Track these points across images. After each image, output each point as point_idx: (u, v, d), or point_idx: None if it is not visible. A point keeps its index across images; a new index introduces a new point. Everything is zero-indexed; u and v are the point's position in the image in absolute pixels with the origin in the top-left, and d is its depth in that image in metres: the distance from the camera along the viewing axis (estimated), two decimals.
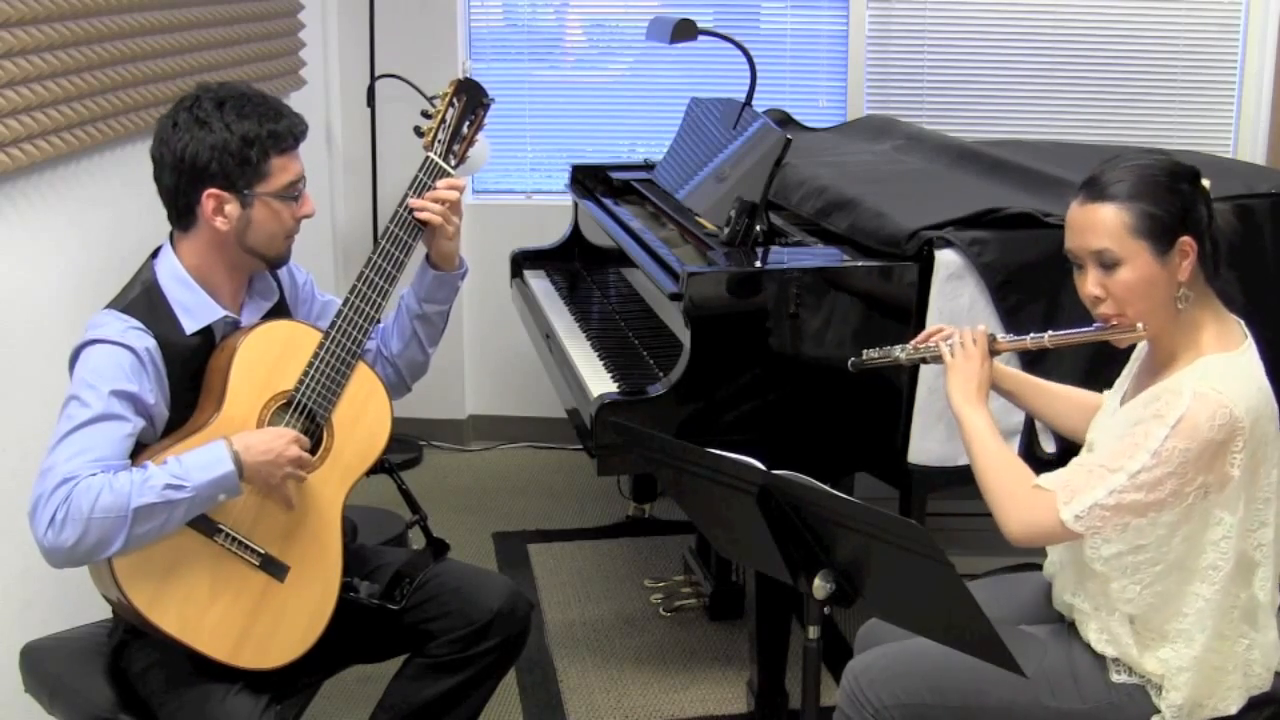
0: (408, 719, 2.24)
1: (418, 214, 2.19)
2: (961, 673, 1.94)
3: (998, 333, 2.12)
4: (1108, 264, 1.84)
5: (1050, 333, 2.01)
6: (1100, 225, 1.84)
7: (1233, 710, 1.91)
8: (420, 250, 2.24)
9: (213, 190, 2.02)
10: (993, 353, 2.05)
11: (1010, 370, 2.17)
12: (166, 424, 2.03)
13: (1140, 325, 1.85)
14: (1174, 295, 1.85)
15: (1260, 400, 1.82)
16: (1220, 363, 1.83)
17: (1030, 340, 2.03)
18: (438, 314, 2.33)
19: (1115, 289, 1.85)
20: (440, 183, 2.22)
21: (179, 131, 2.01)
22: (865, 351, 2.20)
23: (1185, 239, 1.83)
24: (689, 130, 3.41)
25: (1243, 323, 1.92)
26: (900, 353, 2.15)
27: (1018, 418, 2.59)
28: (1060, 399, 2.19)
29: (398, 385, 2.37)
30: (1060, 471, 1.88)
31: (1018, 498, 1.86)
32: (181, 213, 2.06)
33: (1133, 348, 2.05)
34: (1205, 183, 1.88)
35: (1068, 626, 2.02)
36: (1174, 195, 1.84)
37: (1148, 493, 1.78)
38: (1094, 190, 1.86)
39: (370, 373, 2.18)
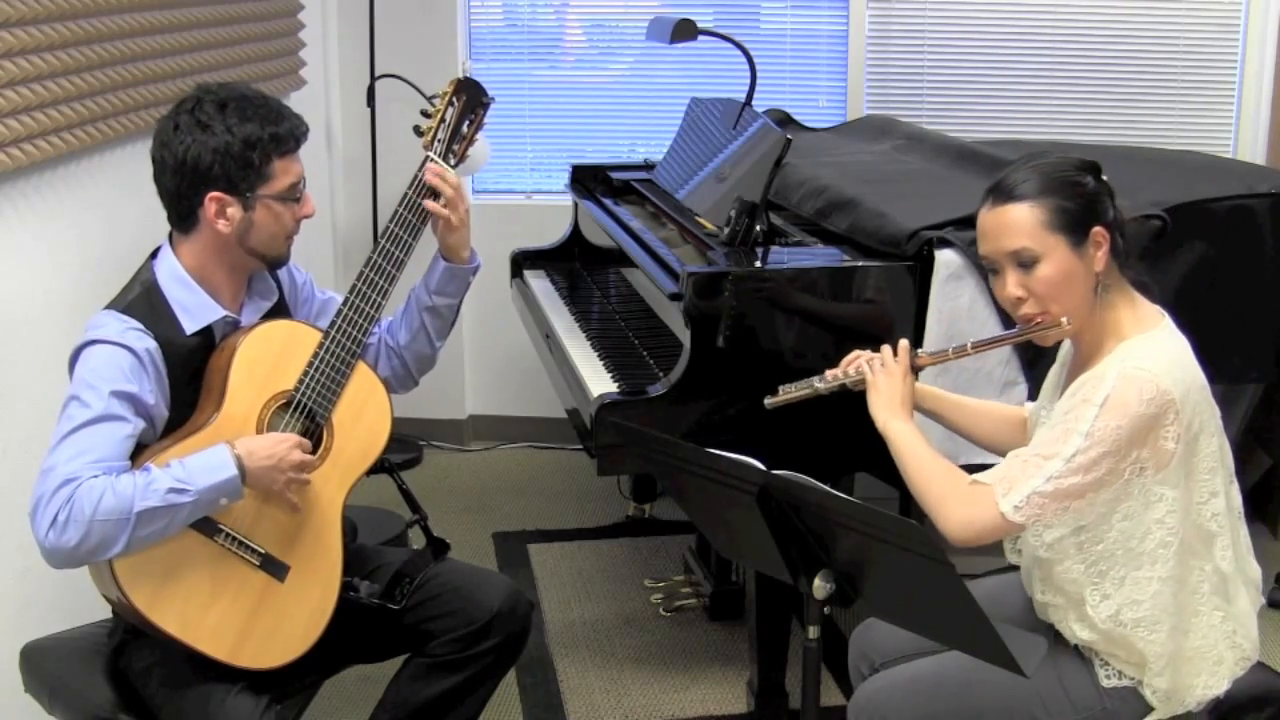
0: (408, 719, 2.24)
1: (430, 179, 2.19)
2: (955, 697, 1.96)
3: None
4: (1026, 263, 1.86)
5: (972, 341, 2.03)
6: (1015, 225, 1.86)
7: (1225, 686, 1.91)
8: (422, 248, 2.24)
9: (215, 193, 2.02)
10: (916, 368, 2.06)
11: (931, 389, 2.18)
12: (166, 424, 2.03)
13: (1065, 320, 1.86)
14: (1093, 286, 1.88)
15: (1186, 373, 1.84)
16: (1141, 343, 1.86)
17: (952, 351, 2.05)
18: (447, 307, 2.33)
19: (1037, 286, 1.86)
20: (431, 168, 2.22)
21: (181, 134, 2.01)
22: (781, 387, 2.16)
23: (1098, 229, 1.87)
24: (689, 130, 3.41)
25: (1159, 308, 1.93)
26: (819, 383, 2.13)
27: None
28: (982, 415, 2.20)
29: (404, 378, 2.38)
30: (996, 468, 1.89)
31: (954, 497, 1.87)
32: (183, 215, 2.06)
33: (1055, 352, 2.06)
34: (1105, 177, 1.91)
35: (1055, 635, 2.02)
36: (1080, 188, 1.88)
37: (1084, 474, 1.79)
38: (1002, 193, 1.89)
39: (370, 372, 2.18)
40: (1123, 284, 1.92)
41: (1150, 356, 1.82)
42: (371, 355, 2.34)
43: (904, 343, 2.08)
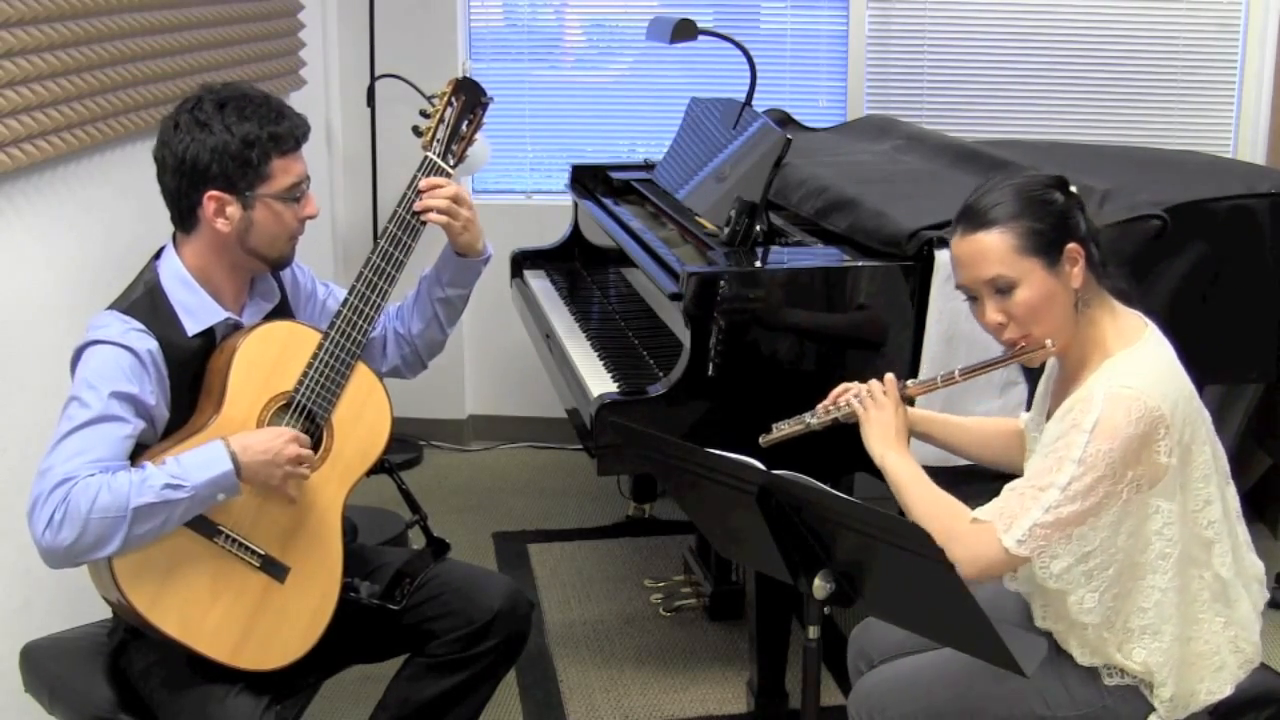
0: (408, 719, 2.24)
1: (423, 215, 2.19)
2: (955, 692, 1.95)
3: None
4: (1003, 289, 1.85)
5: (959, 368, 2.01)
6: (988, 253, 1.84)
7: (1228, 690, 1.91)
8: (424, 246, 2.24)
9: (214, 192, 2.02)
10: (906, 399, 2.05)
11: (922, 413, 2.17)
12: (167, 425, 2.03)
13: (1049, 342, 1.85)
14: (1073, 304, 1.86)
15: (1174, 385, 1.83)
16: (1126, 359, 1.84)
17: (940, 379, 2.03)
18: (459, 297, 2.37)
19: (1017, 311, 1.85)
20: (423, 182, 2.21)
21: (180, 133, 2.01)
22: (775, 425, 2.15)
23: (1071, 245, 1.85)
24: (689, 130, 3.41)
25: (1140, 314, 1.92)
26: (812, 419, 2.11)
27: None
28: (975, 431, 2.19)
29: (414, 364, 2.40)
30: (994, 502, 1.87)
31: (959, 536, 1.84)
32: (184, 214, 2.06)
33: (1044, 366, 2.05)
34: (1073, 189, 1.90)
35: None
36: (1050, 206, 1.85)
37: (1082, 501, 1.78)
38: (973, 220, 1.87)
39: (370, 373, 2.18)
40: (1102, 295, 1.90)
41: (1136, 373, 1.81)
42: (379, 344, 2.35)
43: (889, 376, 2.07)
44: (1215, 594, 1.89)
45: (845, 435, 2.64)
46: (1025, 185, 1.87)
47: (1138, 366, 1.82)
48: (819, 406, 2.12)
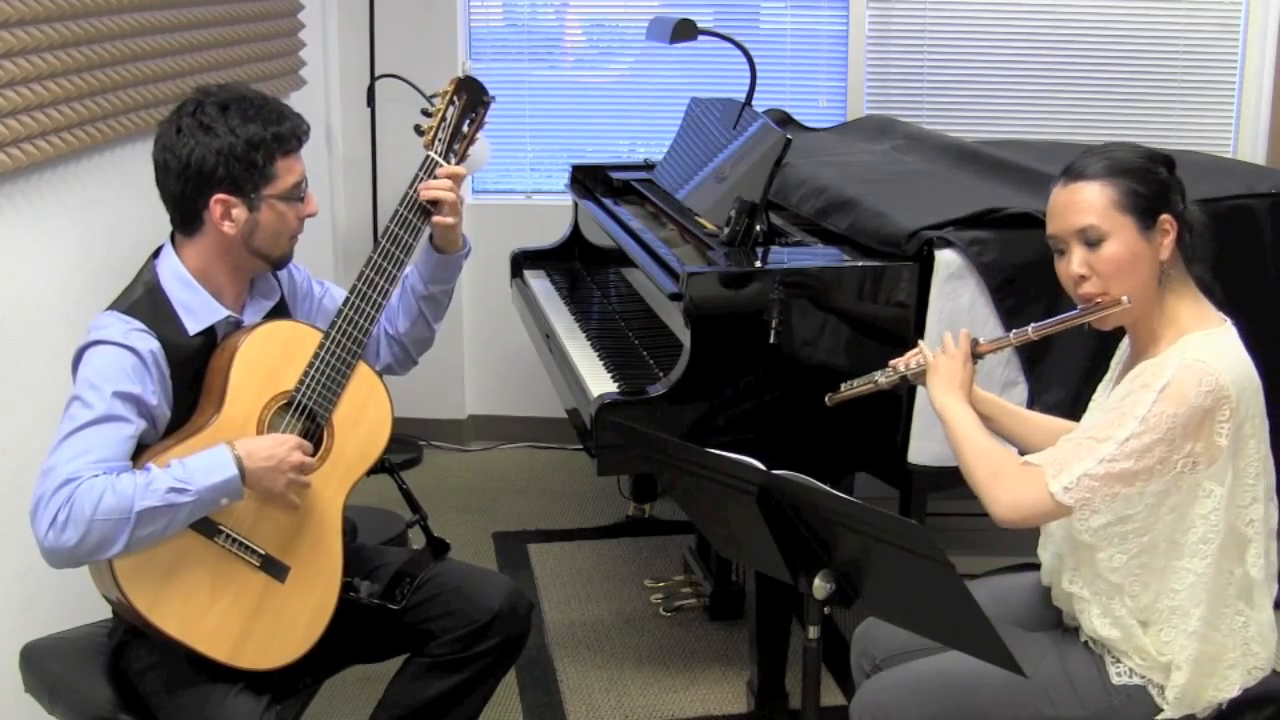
0: (408, 719, 2.24)
1: (426, 195, 2.19)
2: (959, 695, 1.95)
3: (993, 334, 2.10)
4: (1093, 241, 1.87)
5: (1033, 325, 2.01)
6: (1085, 202, 1.87)
7: (1234, 693, 1.91)
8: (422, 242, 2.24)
9: (220, 195, 2.02)
10: (976, 356, 2.06)
11: (987, 395, 2.18)
12: (168, 424, 2.03)
13: (1125, 299, 1.86)
14: (1156, 274, 1.88)
15: (1244, 374, 1.85)
16: (1202, 339, 1.86)
17: (1013, 336, 2.04)
18: (443, 293, 2.36)
19: (1101, 265, 1.87)
20: (440, 171, 2.22)
21: (183, 137, 2.01)
22: (843, 384, 2.16)
23: (1166, 217, 1.88)
24: (689, 130, 3.41)
25: (1222, 315, 1.93)
26: (881, 377, 2.12)
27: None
28: (1035, 425, 2.19)
29: (405, 361, 2.41)
30: (1047, 450, 1.89)
31: (1005, 477, 1.87)
32: (188, 218, 2.06)
33: (1115, 344, 2.05)
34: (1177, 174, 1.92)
35: (1062, 632, 2.02)
36: (1152, 175, 1.89)
37: (1137, 460, 1.79)
38: (1075, 173, 1.91)
39: (371, 372, 2.18)
40: (1186, 279, 1.92)
41: (1212, 351, 1.83)
42: (373, 344, 2.35)
43: (963, 330, 2.08)
44: (1241, 591, 1.90)
45: (845, 435, 2.66)
46: (1132, 152, 1.91)
47: (1214, 346, 1.85)
48: (889, 364, 2.13)
